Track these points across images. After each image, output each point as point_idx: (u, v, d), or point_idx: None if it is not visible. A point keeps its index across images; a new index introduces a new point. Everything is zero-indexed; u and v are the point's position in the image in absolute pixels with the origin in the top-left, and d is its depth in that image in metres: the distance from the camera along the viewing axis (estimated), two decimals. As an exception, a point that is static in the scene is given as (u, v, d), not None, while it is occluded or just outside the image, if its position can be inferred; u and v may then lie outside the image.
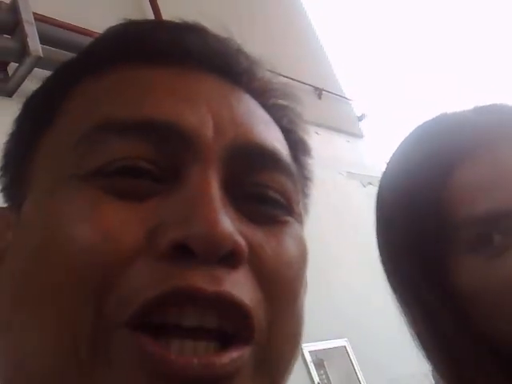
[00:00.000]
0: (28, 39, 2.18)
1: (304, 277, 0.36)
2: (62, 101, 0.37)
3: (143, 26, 0.39)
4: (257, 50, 0.41)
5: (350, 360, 3.14)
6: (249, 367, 0.30)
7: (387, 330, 2.81)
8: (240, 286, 0.30)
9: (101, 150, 0.32)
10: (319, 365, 2.94)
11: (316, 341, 2.91)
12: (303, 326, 0.35)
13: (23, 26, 2.20)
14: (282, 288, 0.33)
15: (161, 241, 0.29)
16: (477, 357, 0.57)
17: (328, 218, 3.41)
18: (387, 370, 3.18)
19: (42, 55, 2.19)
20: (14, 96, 2.31)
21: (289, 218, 0.36)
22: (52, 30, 2.47)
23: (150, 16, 3.13)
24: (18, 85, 2.29)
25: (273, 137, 0.37)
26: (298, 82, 3.52)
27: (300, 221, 0.37)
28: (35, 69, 2.23)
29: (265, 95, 0.40)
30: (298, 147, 0.41)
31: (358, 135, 4.98)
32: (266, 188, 0.35)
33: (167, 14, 3.14)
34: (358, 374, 3.13)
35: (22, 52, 2.20)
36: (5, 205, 0.39)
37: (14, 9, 2.24)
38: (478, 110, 0.64)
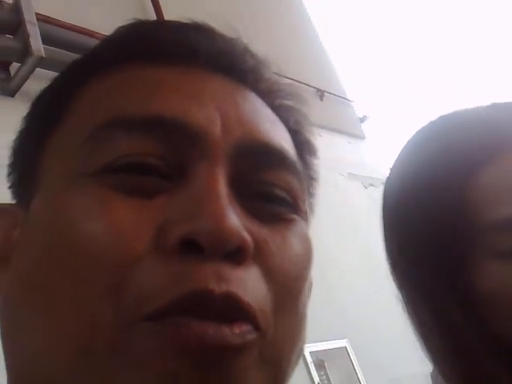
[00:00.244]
0: (30, 39, 2.18)
1: (308, 275, 0.36)
2: (69, 101, 0.37)
3: (149, 26, 0.39)
4: (259, 52, 0.41)
5: (351, 361, 3.14)
6: (254, 353, 0.30)
7: (388, 331, 2.82)
8: (245, 283, 0.30)
9: (108, 146, 0.32)
10: (320, 365, 2.93)
11: (316, 341, 2.91)
12: (306, 324, 0.35)
13: (25, 26, 2.20)
14: (286, 285, 0.33)
15: (169, 237, 0.29)
16: (492, 356, 0.55)
17: (329, 219, 3.41)
18: (388, 371, 3.17)
19: (44, 55, 2.20)
20: (17, 96, 2.31)
21: (294, 216, 0.36)
22: (54, 31, 2.48)
23: (153, 17, 3.13)
24: (20, 85, 2.30)
25: (279, 136, 0.37)
26: (300, 83, 3.52)
27: (305, 219, 0.38)
28: (37, 69, 2.24)
29: (271, 95, 0.40)
30: (304, 147, 0.42)
31: (359, 137, 4.98)
32: (272, 186, 0.35)
33: (169, 15, 3.14)
34: (359, 374, 3.13)
35: (24, 52, 2.20)
36: (13, 201, 0.39)
37: (17, 9, 2.25)
38: (497, 107, 0.61)
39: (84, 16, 2.73)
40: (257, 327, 0.30)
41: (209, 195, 0.30)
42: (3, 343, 0.33)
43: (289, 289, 0.33)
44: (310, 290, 0.37)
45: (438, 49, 6.90)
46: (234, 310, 0.29)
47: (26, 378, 0.32)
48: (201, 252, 0.29)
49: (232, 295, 0.29)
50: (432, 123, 0.64)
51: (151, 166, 0.32)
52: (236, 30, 0.40)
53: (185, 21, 0.39)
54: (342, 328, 3.18)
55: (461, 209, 0.56)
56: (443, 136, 0.61)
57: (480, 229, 0.55)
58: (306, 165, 0.42)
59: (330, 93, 4.63)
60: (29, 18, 2.23)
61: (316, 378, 2.87)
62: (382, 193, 0.66)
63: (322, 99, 4.47)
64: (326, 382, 2.93)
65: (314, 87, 4.35)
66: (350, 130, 4.82)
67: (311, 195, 0.42)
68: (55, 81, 0.40)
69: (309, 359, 2.88)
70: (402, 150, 0.65)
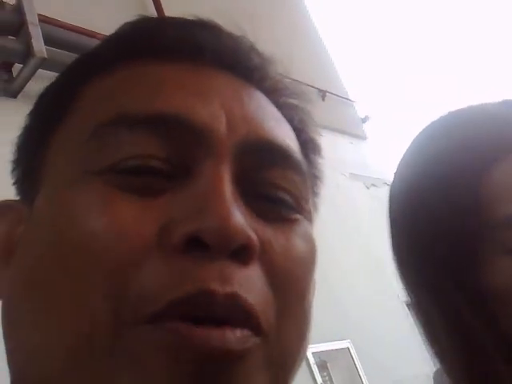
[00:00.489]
0: (32, 40, 2.19)
1: (312, 275, 0.35)
2: (72, 100, 0.37)
3: (153, 22, 0.39)
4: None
5: (354, 361, 3.14)
6: (258, 357, 0.30)
7: (390, 332, 2.82)
8: (249, 283, 0.30)
9: (112, 144, 0.32)
10: (322, 366, 2.94)
11: (319, 342, 2.91)
12: (310, 325, 0.35)
13: (28, 28, 2.21)
14: (290, 285, 0.33)
15: (173, 235, 0.29)
16: (501, 355, 0.55)
17: (331, 220, 3.41)
18: (391, 372, 3.17)
19: (46, 56, 2.20)
20: (19, 97, 2.32)
21: (298, 216, 0.35)
22: (56, 32, 2.48)
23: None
24: (23, 86, 2.30)
25: (284, 134, 0.37)
26: (302, 83, 3.52)
27: (309, 219, 0.37)
28: (39, 70, 2.24)
29: (276, 93, 0.40)
30: (308, 146, 0.41)
31: (361, 137, 4.98)
32: (276, 185, 0.35)
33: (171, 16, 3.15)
34: (361, 375, 3.13)
35: (27, 53, 2.21)
36: (17, 198, 0.39)
37: (19, 10, 2.25)
38: (507, 104, 0.60)
39: (86, 17, 2.74)
40: (259, 329, 0.30)
41: (214, 193, 0.30)
42: (6, 342, 0.33)
43: (293, 289, 0.33)
44: (313, 289, 0.37)
45: (439, 49, 6.90)
46: (236, 311, 0.29)
47: (24, 376, 0.31)
48: (206, 250, 0.29)
49: (235, 296, 0.29)
50: (437, 121, 0.63)
51: (154, 168, 0.32)
52: (241, 28, 0.40)
53: (191, 18, 0.39)
54: (345, 329, 3.18)
55: (472, 206, 0.56)
56: (451, 134, 0.60)
57: (491, 225, 0.55)
58: (311, 163, 0.41)
59: (332, 93, 4.63)
60: (31, 19, 2.24)
61: (319, 379, 2.87)
62: (387, 192, 0.65)
63: (323, 99, 4.47)
64: (328, 382, 2.93)
65: (315, 87, 4.35)
66: (352, 131, 4.83)
67: (315, 194, 0.42)
68: (58, 79, 0.39)
69: (311, 360, 2.88)
70: (410, 152, 0.64)
